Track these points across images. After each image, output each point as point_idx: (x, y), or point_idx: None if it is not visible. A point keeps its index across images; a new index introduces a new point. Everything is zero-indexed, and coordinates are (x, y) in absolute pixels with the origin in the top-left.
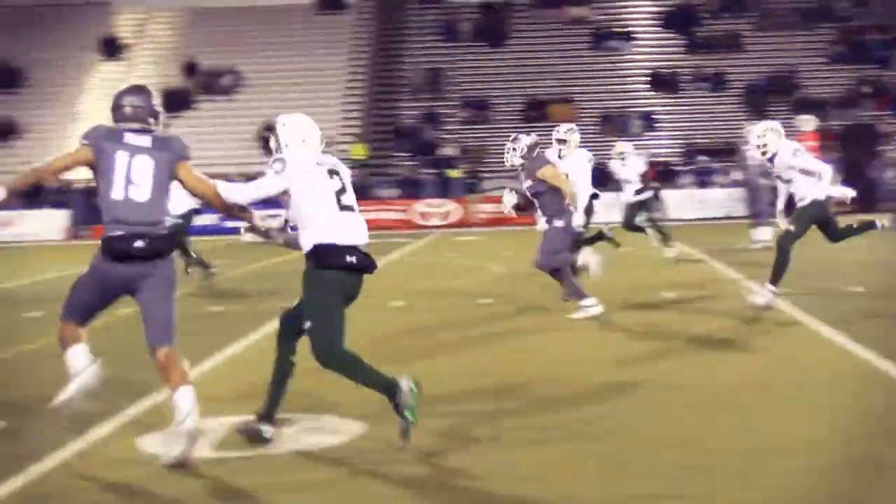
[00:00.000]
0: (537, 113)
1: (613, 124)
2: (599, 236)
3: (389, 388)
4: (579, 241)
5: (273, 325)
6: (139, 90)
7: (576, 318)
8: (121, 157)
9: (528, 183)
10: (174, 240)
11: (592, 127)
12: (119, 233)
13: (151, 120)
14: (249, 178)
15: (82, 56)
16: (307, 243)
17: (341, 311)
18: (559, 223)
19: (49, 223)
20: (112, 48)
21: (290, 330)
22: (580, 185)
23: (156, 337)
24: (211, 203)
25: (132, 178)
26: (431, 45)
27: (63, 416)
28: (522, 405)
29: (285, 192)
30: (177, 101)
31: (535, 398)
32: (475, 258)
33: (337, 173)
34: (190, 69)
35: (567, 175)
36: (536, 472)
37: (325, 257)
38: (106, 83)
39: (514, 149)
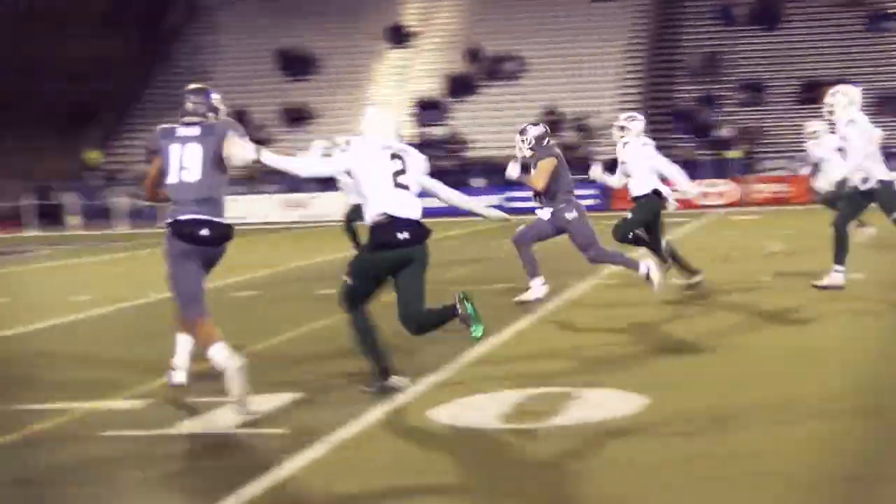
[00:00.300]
0: (812, 94)
1: (890, 105)
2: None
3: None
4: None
5: (555, 305)
6: (199, 90)
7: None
8: (174, 148)
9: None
10: (232, 228)
11: (869, 108)
12: (186, 217)
13: (210, 114)
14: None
15: (371, 44)
16: (368, 218)
17: (373, 281)
18: (573, 214)
19: (340, 204)
20: (399, 36)
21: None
22: (638, 176)
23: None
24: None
25: (184, 164)
26: (708, 28)
27: (356, 387)
28: (790, 375)
29: (349, 172)
30: (460, 87)
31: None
32: (753, 237)
33: (400, 157)
34: (474, 55)
35: (623, 163)
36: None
37: (378, 236)
38: (393, 70)
39: (523, 140)
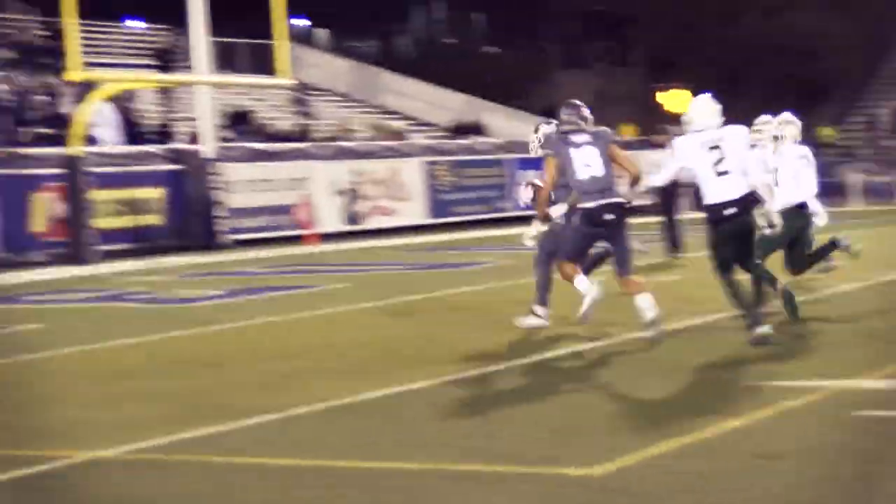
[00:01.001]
0: None
1: None
2: (833, 245)
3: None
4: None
5: None
6: (572, 105)
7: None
8: (574, 152)
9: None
10: (628, 209)
11: None
12: (591, 205)
13: (581, 122)
14: None
15: None
16: (703, 202)
17: (729, 248)
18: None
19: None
20: None
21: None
22: (786, 186)
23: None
24: (631, 176)
25: (588, 163)
26: None
27: None
28: None
29: (682, 168)
30: None
31: None
32: None
33: (717, 147)
34: None
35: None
36: None
37: (710, 216)
38: None
39: (536, 139)
